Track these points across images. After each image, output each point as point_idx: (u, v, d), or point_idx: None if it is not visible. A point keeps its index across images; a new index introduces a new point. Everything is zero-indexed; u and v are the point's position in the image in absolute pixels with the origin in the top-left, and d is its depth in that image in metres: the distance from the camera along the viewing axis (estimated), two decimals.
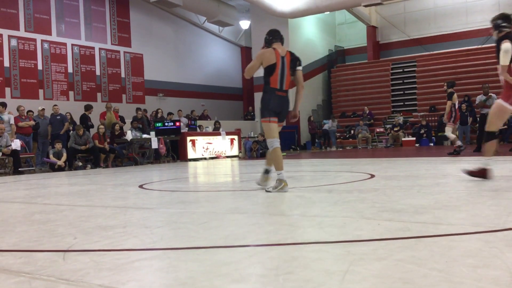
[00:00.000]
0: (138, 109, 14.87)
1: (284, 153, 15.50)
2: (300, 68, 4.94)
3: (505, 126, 13.73)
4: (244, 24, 22.73)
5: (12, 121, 11.78)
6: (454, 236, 2.44)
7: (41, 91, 15.63)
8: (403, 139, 18.38)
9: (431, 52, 22.00)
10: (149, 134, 13.51)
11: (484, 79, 17.10)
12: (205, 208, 4.00)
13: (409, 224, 2.78)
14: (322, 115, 23.08)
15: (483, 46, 19.61)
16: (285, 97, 4.86)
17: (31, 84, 15.42)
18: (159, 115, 15.60)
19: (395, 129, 18.74)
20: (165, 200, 4.74)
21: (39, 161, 12.40)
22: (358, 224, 2.88)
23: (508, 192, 4.06)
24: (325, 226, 2.86)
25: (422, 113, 19.57)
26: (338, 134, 20.76)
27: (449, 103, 10.10)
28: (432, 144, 17.56)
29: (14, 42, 15.05)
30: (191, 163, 12.88)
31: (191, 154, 14.38)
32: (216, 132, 15.80)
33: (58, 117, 12.79)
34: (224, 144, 15.65)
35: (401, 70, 22.13)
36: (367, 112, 20.93)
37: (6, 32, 14.86)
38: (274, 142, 4.78)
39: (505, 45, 4.60)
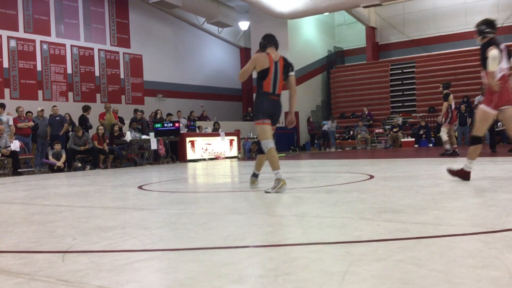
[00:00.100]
0: (136, 110, 14.87)
1: (284, 154, 15.56)
2: (292, 73, 5.04)
3: (504, 127, 13.71)
4: (243, 25, 22.72)
5: (11, 122, 11.77)
6: (454, 237, 2.44)
7: (40, 92, 15.61)
8: (402, 140, 18.40)
9: (430, 53, 22.02)
10: (148, 135, 13.50)
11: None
12: (204, 208, 4.00)
13: (409, 224, 2.79)
14: (321, 116, 23.07)
15: None
16: (277, 100, 4.97)
17: (30, 85, 15.41)
18: (158, 116, 15.59)
19: (394, 130, 18.76)
20: (165, 201, 4.74)
21: (38, 162, 12.38)
22: (357, 224, 2.88)
23: (507, 193, 4.07)
24: (324, 226, 2.86)
25: (421, 114, 19.57)
26: (337, 135, 20.77)
27: (445, 104, 10.14)
28: (431, 145, 17.55)
29: (13, 43, 15.04)
30: (190, 164, 12.87)
31: (190, 155, 14.38)
32: (215, 133, 15.80)
33: (57, 118, 12.77)
34: (223, 145, 15.64)
35: (400, 71, 22.14)
36: (366, 113, 20.93)
37: (5, 33, 14.84)
38: (269, 143, 4.82)
39: (493, 52, 4.72)
